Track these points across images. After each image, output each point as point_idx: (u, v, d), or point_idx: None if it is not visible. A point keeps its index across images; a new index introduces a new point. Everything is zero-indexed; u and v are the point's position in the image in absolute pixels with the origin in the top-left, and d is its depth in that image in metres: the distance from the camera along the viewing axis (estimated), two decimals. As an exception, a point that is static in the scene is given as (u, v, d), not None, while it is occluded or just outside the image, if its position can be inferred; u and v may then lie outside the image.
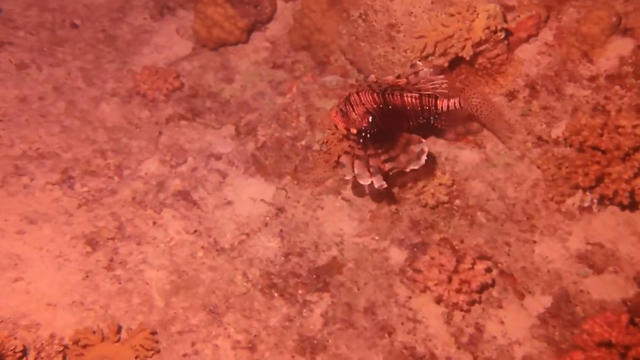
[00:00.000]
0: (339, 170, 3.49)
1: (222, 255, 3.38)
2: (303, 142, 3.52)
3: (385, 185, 2.90)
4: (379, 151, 3.03)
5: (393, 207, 3.39)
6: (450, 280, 2.87)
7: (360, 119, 3.10)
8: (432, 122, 3.12)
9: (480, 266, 2.86)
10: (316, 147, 3.47)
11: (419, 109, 3.04)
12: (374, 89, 3.01)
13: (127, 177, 3.68)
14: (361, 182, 2.94)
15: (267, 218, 3.56)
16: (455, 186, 3.23)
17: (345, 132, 3.18)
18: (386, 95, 3.01)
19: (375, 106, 3.05)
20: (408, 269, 3.17)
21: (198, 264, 3.31)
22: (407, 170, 2.92)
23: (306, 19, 3.91)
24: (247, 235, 3.48)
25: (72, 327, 2.86)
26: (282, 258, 3.38)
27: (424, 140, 2.92)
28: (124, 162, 3.75)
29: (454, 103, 3.01)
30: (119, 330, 2.81)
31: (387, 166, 2.95)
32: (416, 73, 2.94)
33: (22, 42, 4.30)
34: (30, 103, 3.95)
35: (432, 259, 3.00)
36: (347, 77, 3.73)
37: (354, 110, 3.08)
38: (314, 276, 3.31)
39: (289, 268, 3.34)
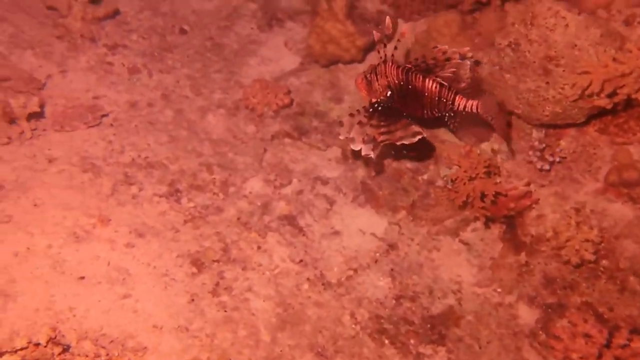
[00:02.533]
0: (462, 210, 3.21)
1: (328, 291, 3.16)
2: (425, 176, 3.26)
3: (372, 156, 2.99)
4: (381, 124, 3.06)
5: (522, 259, 3.07)
6: (600, 356, 2.53)
7: (381, 91, 3.12)
8: (446, 120, 3.07)
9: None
10: (440, 182, 3.20)
11: (437, 98, 2.99)
12: (401, 64, 3.03)
13: (233, 195, 3.53)
14: (351, 146, 3.03)
15: (378, 254, 3.32)
16: (603, 244, 2.89)
17: (366, 100, 3.21)
18: (409, 73, 3.01)
19: (396, 81, 3.06)
20: (541, 332, 2.84)
21: (304, 298, 3.10)
22: (398, 143, 2.94)
23: (433, 42, 3.65)
24: (355, 270, 3.25)
25: (177, 354, 2.71)
26: (393, 301, 3.13)
27: (423, 130, 2.94)
28: (229, 179, 3.61)
29: (472, 105, 2.91)
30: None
31: (381, 138, 2.99)
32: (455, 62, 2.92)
33: (135, 46, 4.26)
34: (140, 109, 3.88)
35: (574, 325, 2.66)
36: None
37: (377, 81, 3.10)
38: (428, 325, 3.03)
39: (401, 313, 3.08)
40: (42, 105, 3.43)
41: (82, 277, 2.83)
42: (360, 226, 3.44)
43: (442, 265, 3.24)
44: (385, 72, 3.06)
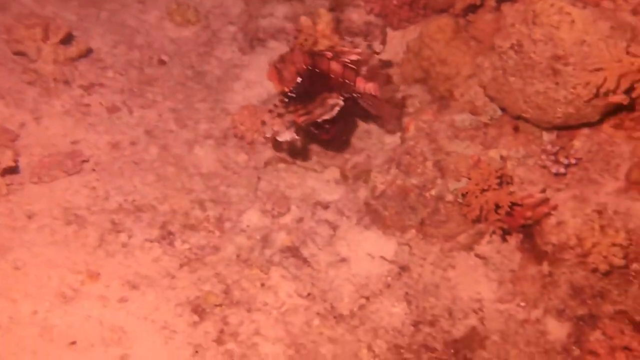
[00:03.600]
0: (475, 224, 3.00)
1: (341, 324, 2.93)
2: (433, 192, 3.05)
3: (297, 138, 3.10)
4: (299, 107, 3.09)
5: (544, 269, 2.86)
6: (647, 372, 2.31)
7: (290, 79, 3.15)
8: (358, 101, 3.13)
9: (687, 355, 2.29)
10: (450, 197, 2.99)
11: (341, 80, 3.06)
12: (306, 49, 3.06)
13: (229, 231, 3.32)
14: (279, 139, 3.09)
15: (389, 278, 3.10)
16: (632, 246, 2.67)
17: (279, 89, 3.21)
18: (315, 57, 3.06)
19: (304, 67, 3.09)
20: (574, 347, 2.63)
21: (315, 335, 2.88)
22: (319, 120, 3.00)
23: (426, 49, 3.47)
24: (367, 299, 3.03)
25: (185, 417, 2.47)
26: (411, 327, 2.91)
27: (341, 98, 2.99)
28: (224, 214, 3.40)
29: (370, 88, 3.03)
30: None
31: (302, 119, 3.02)
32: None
33: (112, 83, 4.06)
34: (122, 149, 3.67)
35: (611, 338, 2.44)
36: (478, 114, 3.24)
37: (286, 69, 3.12)
38: (452, 351, 2.81)
39: (421, 340, 2.86)
40: (16, 159, 3.22)
41: (74, 342, 2.60)
42: (368, 250, 3.22)
43: (459, 284, 3.02)
44: (293, 59, 3.09)
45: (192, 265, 3.10)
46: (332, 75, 3.06)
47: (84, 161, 3.47)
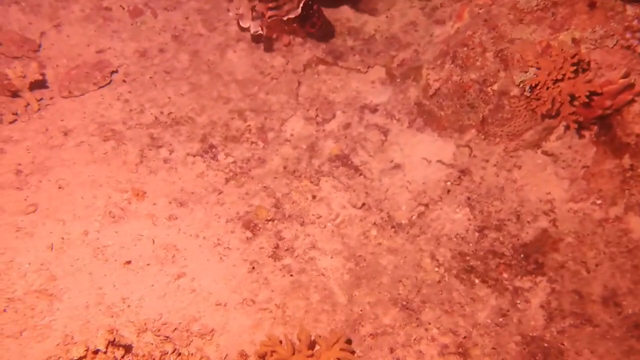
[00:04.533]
0: (544, 119, 2.72)
1: (400, 234, 2.79)
2: (495, 87, 2.75)
3: (260, 32, 3.12)
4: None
5: (625, 162, 2.60)
6: None
7: None
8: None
9: None
10: (515, 91, 2.69)
11: None
12: None
13: (273, 141, 3.11)
14: (241, 24, 3.14)
15: (449, 183, 2.90)
16: None
17: None
18: None
19: None
20: (659, 248, 2.44)
21: (374, 246, 2.75)
22: (285, 18, 3.03)
23: None
24: (426, 206, 2.86)
25: (248, 332, 2.42)
26: (476, 233, 2.75)
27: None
28: (266, 123, 3.17)
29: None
30: (312, 343, 2.31)
31: (269, 13, 3.03)
32: None
33: (130, -15, 3.70)
34: (151, 57, 3.40)
35: None
36: (544, -6, 2.83)
37: None
38: (522, 255, 2.66)
39: (487, 246, 2.71)
40: (42, 72, 2.99)
41: (128, 262, 2.52)
42: (424, 154, 3.00)
43: (526, 185, 2.81)
44: None
45: (238, 179, 2.94)
46: None
47: (112, 72, 3.23)
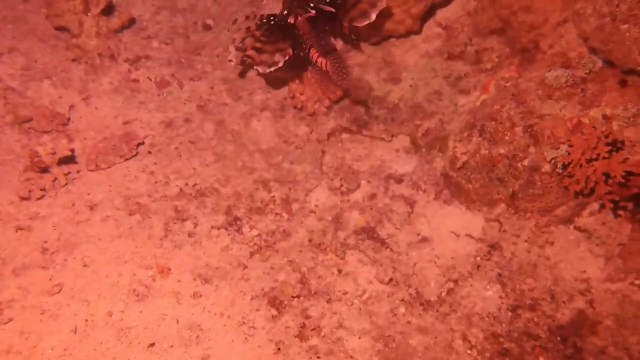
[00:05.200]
0: (577, 197, 2.66)
1: (429, 311, 2.70)
2: (525, 162, 2.71)
3: (232, 62, 3.31)
4: (262, 39, 3.23)
5: (663, 244, 2.52)
6: None
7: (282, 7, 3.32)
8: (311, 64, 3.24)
9: None
10: (547, 168, 2.65)
11: (301, 41, 3.21)
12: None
13: (298, 213, 3.08)
14: (230, 47, 3.30)
15: (478, 258, 2.82)
16: None
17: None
18: (294, 3, 3.19)
19: (286, 6, 3.26)
20: None
21: (403, 325, 2.66)
22: (254, 67, 3.22)
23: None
24: (456, 282, 2.78)
25: (275, 421, 2.33)
26: (509, 313, 2.65)
27: (290, 54, 3.18)
28: (290, 194, 3.16)
29: (322, 62, 3.13)
30: None
31: (249, 52, 3.21)
32: None
33: (158, 55, 3.79)
34: (176, 128, 3.44)
35: None
36: (572, 67, 2.83)
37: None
38: (558, 338, 2.55)
39: (521, 327, 2.61)
40: (72, 148, 3.03)
41: (152, 344, 2.47)
42: (452, 227, 2.94)
43: (560, 262, 2.72)
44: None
45: (263, 252, 2.90)
46: (297, 31, 3.18)
47: (139, 144, 3.27)
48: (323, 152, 3.37)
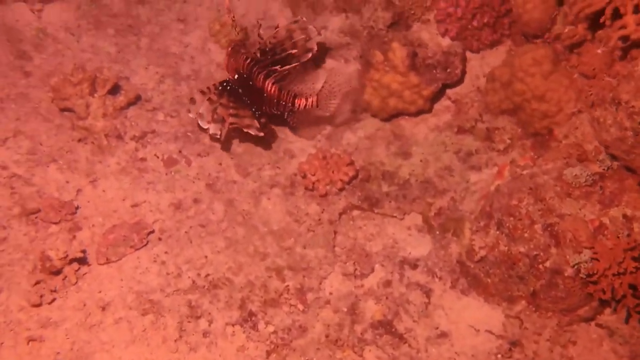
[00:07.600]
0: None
1: (451, 414, 2.66)
2: (547, 264, 2.67)
3: (218, 136, 3.24)
4: (230, 105, 3.26)
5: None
6: None
7: (232, 70, 3.34)
8: (285, 117, 3.34)
9: None
10: (569, 272, 2.61)
11: (276, 100, 3.25)
12: (249, 55, 3.24)
13: (313, 304, 3.03)
14: (200, 123, 3.25)
15: (500, 356, 2.79)
16: None
17: (224, 70, 3.44)
18: (254, 69, 3.23)
19: (242, 71, 3.29)
20: None
21: None
22: (245, 130, 3.21)
23: (519, 83, 3.00)
24: (477, 381, 2.74)
25: None
26: (533, 417, 2.62)
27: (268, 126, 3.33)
28: (305, 283, 3.11)
29: (312, 102, 3.24)
30: None
31: (231, 120, 3.19)
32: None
33: (164, 129, 3.71)
34: (186, 209, 3.37)
35: None
36: (588, 160, 2.80)
37: (235, 60, 3.29)
38: None
39: None
40: (84, 250, 2.96)
41: None
42: (471, 322, 2.90)
43: (582, 363, 2.70)
44: (237, 57, 3.26)
45: (279, 352, 2.85)
46: (266, 94, 3.21)
47: (149, 233, 3.20)
48: (335, 233, 3.33)
